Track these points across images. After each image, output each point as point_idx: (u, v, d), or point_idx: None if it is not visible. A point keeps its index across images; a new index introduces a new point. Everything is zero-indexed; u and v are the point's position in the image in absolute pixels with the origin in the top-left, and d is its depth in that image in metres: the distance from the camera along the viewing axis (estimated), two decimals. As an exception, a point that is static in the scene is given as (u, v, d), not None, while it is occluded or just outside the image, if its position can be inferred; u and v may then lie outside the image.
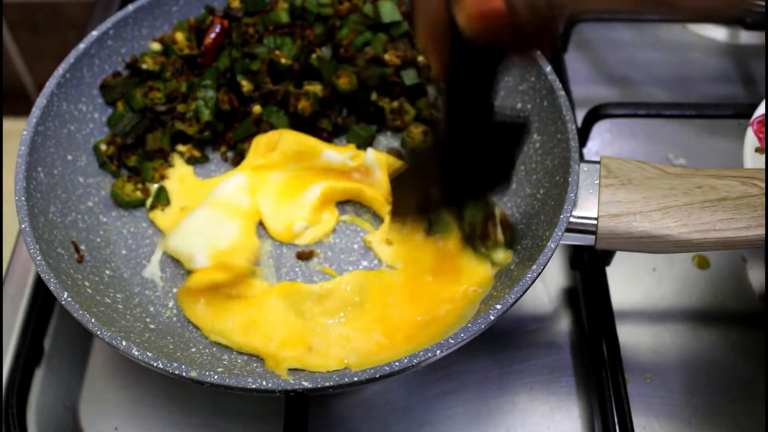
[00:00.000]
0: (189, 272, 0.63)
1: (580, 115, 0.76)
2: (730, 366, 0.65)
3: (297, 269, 0.65)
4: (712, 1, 0.36)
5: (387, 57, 0.72)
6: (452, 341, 0.51)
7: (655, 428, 0.62)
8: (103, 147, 0.68)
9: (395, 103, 0.72)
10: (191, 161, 0.70)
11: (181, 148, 0.70)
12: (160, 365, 0.51)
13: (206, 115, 0.70)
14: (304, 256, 0.65)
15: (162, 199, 0.68)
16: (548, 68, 0.65)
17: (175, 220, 0.66)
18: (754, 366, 0.65)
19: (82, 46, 0.67)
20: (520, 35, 0.37)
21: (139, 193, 0.68)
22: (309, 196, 0.67)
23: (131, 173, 0.70)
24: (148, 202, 0.68)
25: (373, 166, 0.68)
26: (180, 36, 0.72)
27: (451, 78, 0.46)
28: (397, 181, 0.56)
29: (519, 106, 0.69)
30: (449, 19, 0.39)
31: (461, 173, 0.53)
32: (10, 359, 0.64)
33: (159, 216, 0.67)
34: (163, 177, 0.69)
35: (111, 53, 0.70)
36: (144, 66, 0.70)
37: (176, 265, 0.65)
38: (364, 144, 0.71)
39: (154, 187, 0.69)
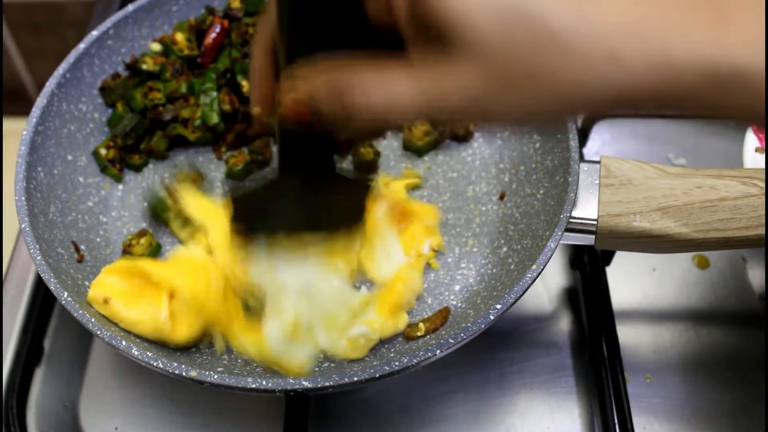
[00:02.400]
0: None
1: (580, 115, 0.76)
2: (730, 366, 0.65)
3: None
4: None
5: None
6: (452, 341, 0.51)
7: (655, 428, 0.62)
8: (103, 151, 0.68)
9: None
10: (195, 184, 0.69)
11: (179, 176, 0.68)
12: (160, 365, 0.51)
13: (214, 118, 0.70)
14: None
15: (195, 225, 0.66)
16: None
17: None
18: (754, 366, 0.65)
19: (82, 46, 0.67)
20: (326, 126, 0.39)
21: (149, 250, 0.65)
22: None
23: (135, 171, 0.70)
24: (153, 239, 0.66)
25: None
26: (180, 36, 0.72)
27: (282, 142, 0.48)
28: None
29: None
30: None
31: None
32: (10, 359, 0.64)
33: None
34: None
35: (111, 53, 0.70)
36: (144, 66, 0.70)
37: (176, 265, 0.65)
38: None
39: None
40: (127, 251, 0.64)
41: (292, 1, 0.39)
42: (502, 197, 0.67)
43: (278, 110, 0.40)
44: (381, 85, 0.36)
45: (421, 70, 0.36)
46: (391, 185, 0.67)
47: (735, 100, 0.33)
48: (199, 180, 0.67)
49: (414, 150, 0.71)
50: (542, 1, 0.33)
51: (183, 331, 0.57)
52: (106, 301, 0.56)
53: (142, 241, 0.65)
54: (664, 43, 0.33)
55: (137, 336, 0.56)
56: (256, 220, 0.55)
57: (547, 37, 0.33)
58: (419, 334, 0.60)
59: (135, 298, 0.57)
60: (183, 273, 0.58)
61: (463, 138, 0.71)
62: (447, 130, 0.70)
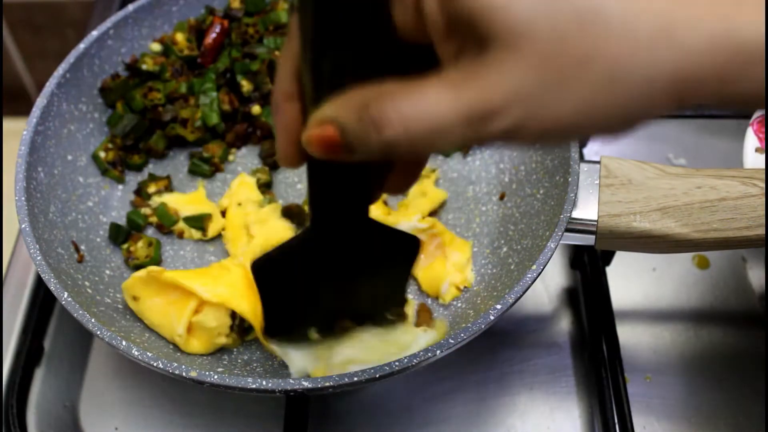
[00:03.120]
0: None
1: (580, 115, 0.76)
2: (730, 366, 0.65)
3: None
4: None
5: (387, 57, 0.72)
6: (452, 341, 0.51)
7: (655, 428, 0.62)
8: (102, 154, 0.68)
9: None
10: (168, 189, 0.69)
11: (149, 189, 0.68)
12: (160, 365, 0.51)
13: (214, 119, 0.70)
14: None
15: (204, 215, 0.66)
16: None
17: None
18: (754, 366, 0.65)
19: (82, 46, 0.67)
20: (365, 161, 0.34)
21: (152, 249, 0.65)
22: None
23: (136, 171, 0.70)
24: (148, 235, 0.66)
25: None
26: (180, 36, 0.72)
27: (313, 184, 0.42)
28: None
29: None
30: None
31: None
32: (10, 359, 0.64)
33: (215, 227, 0.66)
34: (147, 217, 0.67)
35: (111, 53, 0.70)
36: (144, 66, 0.70)
37: (176, 265, 0.65)
38: None
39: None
40: (130, 261, 0.64)
41: (318, 22, 0.33)
42: (502, 197, 0.67)
43: (307, 150, 0.35)
44: (415, 102, 0.31)
45: (458, 77, 0.32)
46: (428, 191, 0.67)
47: None
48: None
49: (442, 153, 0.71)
50: None
51: (195, 346, 0.59)
52: (135, 299, 0.59)
53: (140, 244, 0.65)
54: (722, 22, 0.30)
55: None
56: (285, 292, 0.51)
57: (595, 18, 0.30)
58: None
59: (162, 304, 0.59)
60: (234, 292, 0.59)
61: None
62: None
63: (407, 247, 0.50)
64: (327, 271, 0.50)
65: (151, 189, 0.68)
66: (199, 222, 0.66)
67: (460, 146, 0.32)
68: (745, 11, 0.30)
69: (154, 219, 0.67)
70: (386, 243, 0.49)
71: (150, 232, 0.67)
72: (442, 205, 0.68)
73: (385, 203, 0.68)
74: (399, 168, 0.43)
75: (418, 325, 0.60)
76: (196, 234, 0.66)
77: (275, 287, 0.51)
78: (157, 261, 0.65)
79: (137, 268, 0.63)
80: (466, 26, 0.31)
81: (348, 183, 0.41)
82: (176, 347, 0.59)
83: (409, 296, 0.63)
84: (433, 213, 0.67)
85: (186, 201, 0.68)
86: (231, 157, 0.71)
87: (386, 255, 0.50)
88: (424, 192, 0.68)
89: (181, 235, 0.67)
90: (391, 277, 0.54)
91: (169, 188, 0.69)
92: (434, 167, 0.70)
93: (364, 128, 0.32)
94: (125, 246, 0.65)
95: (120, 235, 0.65)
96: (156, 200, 0.68)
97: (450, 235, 0.65)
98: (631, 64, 0.30)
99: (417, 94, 0.32)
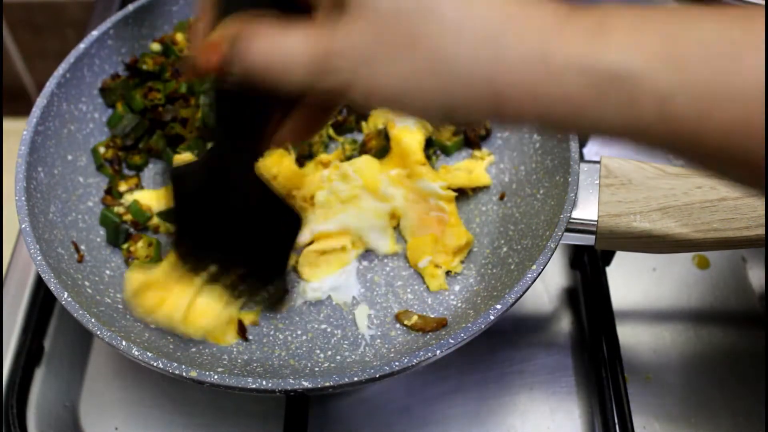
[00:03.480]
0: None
1: (580, 115, 0.76)
2: (730, 366, 0.65)
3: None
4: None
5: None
6: (452, 341, 0.51)
7: (655, 428, 0.62)
8: (102, 150, 0.68)
9: None
10: (138, 186, 0.69)
11: (121, 188, 0.68)
12: (160, 365, 0.51)
13: (213, 119, 0.70)
14: None
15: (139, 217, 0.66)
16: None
17: None
18: (754, 366, 0.65)
19: (82, 46, 0.67)
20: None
21: (152, 249, 0.65)
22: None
23: (137, 171, 0.70)
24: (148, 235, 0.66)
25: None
26: (180, 37, 0.72)
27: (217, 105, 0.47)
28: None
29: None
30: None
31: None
32: (10, 359, 0.64)
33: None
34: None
35: (111, 53, 0.70)
36: (144, 67, 0.70)
37: (176, 265, 0.65)
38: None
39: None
40: (131, 261, 0.64)
41: None
42: (502, 197, 0.67)
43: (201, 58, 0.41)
44: (276, 38, 0.37)
45: (318, 29, 0.37)
46: (475, 170, 0.68)
47: (611, 104, 0.32)
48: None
49: (442, 150, 0.71)
50: None
51: (197, 328, 0.59)
52: (136, 295, 0.59)
53: (140, 244, 0.65)
54: (542, 44, 0.33)
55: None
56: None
57: (433, 8, 0.34)
58: (407, 323, 0.60)
59: (163, 290, 0.59)
60: None
61: (475, 142, 0.71)
62: (469, 130, 0.70)
63: (290, 221, 0.52)
64: (221, 203, 0.51)
65: (122, 188, 0.68)
66: (172, 215, 0.65)
67: (304, 88, 0.38)
68: (566, 38, 0.33)
69: (128, 217, 0.66)
70: (272, 207, 0.51)
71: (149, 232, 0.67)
72: (482, 188, 0.69)
73: (429, 158, 0.69)
74: (299, 115, 0.47)
75: (420, 330, 0.61)
76: (172, 228, 0.65)
77: (186, 201, 0.53)
78: (157, 260, 0.65)
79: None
80: None
81: (245, 111, 0.45)
82: (176, 347, 0.59)
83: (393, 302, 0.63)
84: (461, 191, 0.68)
85: (158, 197, 0.67)
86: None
87: (270, 218, 0.52)
88: (471, 170, 0.69)
89: (156, 230, 0.66)
90: (274, 244, 0.54)
91: (139, 186, 0.69)
92: (490, 151, 0.70)
93: (231, 44, 0.38)
94: (125, 246, 0.65)
95: (119, 236, 0.65)
96: (128, 198, 0.67)
97: (457, 219, 0.66)
98: (453, 55, 0.34)
99: (282, 29, 0.37)
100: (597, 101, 0.32)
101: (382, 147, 0.69)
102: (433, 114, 0.36)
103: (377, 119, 0.71)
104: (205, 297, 0.59)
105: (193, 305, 0.59)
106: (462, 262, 0.65)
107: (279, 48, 0.37)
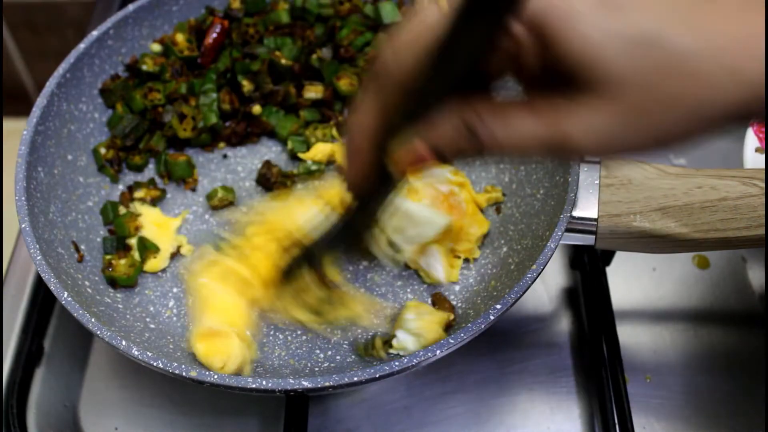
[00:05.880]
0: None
1: (580, 115, 0.76)
2: (730, 366, 0.65)
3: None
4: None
5: (387, 57, 0.72)
6: (452, 341, 0.51)
7: (655, 428, 0.62)
8: (102, 151, 0.68)
9: None
10: (154, 202, 0.68)
11: (138, 194, 0.68)
12: (160, 365, 0.51)
13: (213, 119, 0.70)
14: None
15: (150, 247, 0.64)
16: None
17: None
18: (754, 366, 0.65)
19: (82, 46, 0.67)
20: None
21: (132, 270, 0.63)
22: None
23: (136, 171, 0.70)
24: (135, 254, 0.64)
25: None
26: (180, 37, 0.72)
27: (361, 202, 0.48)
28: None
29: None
30: (378, 164, 0.42)
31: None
32: (10, 359, 0.64)
33: (155, 264, 0.64)
34: (137, 229, 0.66)
35: (111, 53, 0.70)
36: (144, 67, 0.70)
37: (176, 265, 0.65)
38: None
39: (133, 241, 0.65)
40: (107, 271, 0.62)
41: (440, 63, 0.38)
42: (498, 211, 0.67)
43: (395, 169, 0.41)
44: (504, 123, 0.37)
45: (546, 109, 0.37)
46: (477, 198, 0.67)
47: None
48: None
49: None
50: (663, 26, 0.34)
51: (199, 350, 0.58)
52: (199, 281, 0.60)
53: (124, 261, 0.63)
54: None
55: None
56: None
57: (673, 62, 0.34)
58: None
59: (216, 296, 0.60)
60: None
61: None
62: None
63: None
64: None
65: (139, 194, 0.68)
66: (143, 252, 0.64)
67: (539, 157, 0.40)
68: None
69: (130, 224, 0.66)
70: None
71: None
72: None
73: None
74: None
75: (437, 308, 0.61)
76: (136, 256, 0.64)
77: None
78: (132, 284, 0.63)
79: (111, 280, 0.62)
80: (565, 73, 0.36)
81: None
82: (176, 347, 0.59)
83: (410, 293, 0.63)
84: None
85: (158, 223, 0.66)
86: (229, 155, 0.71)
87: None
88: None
89: (127, 249, 0.65)
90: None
91: (155, 202, 0.68)
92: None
93: (457, 140, 0.38)
94: (108, 257, 0.63)
95: (117, 244, 0.65)
96: (137, 207, 0.67)
97: (474, 207, 0.66)
98: (703, 104, 0.34)
99: (505, 116, 0.37)
100: None
101: None
102: (683, 149, 0.39)
103: None
104: (232, 341, 0.58)
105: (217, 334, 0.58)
106: (479, 247, 0.65)
107: (514, 132, 0.37)
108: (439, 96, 0.38)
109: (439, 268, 0.63)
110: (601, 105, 0.35)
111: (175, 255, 0.65)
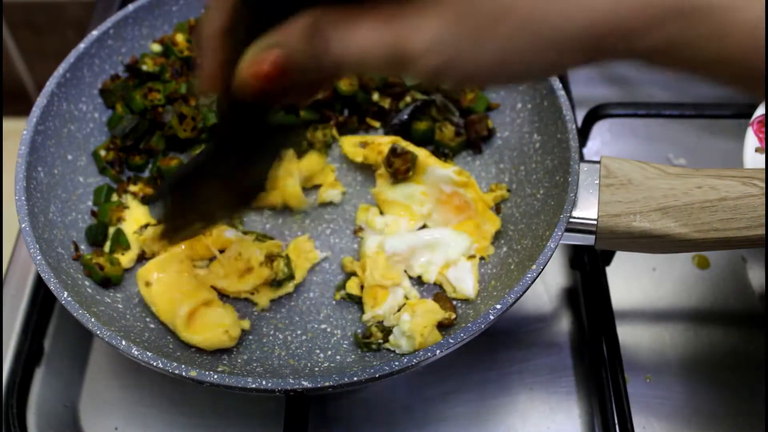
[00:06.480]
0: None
1: (580, 115, 0.76)
2: (730, 366, 0.65)
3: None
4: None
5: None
6: (452, 341, 0.51)
7: (655, 428, 0.62)
8: (103, 153, 0.68)
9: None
10: (145, 201, 0.67)
11: (133, 188, 0.67)
12: (160, 365, 0.51)
13: (212, 119, 0.70)
14: None
15: (122, 242, 0.64)
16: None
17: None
18: (754, 366, 0.65)
19: (82, 45, 0.67)
20: (292, 90, 0.38)
21: (117, 267, 0.62)
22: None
23: (137, 173, 0.70)
24: (107, 246, 0.64)
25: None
26: (180, 37, 0.72)
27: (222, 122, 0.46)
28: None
29: (519, 106, 0.69)
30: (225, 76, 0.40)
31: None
32: (10, 359, 0.64)
33: (120, 260, 0.63)
34: (120, 220, 0.65)
35: (111, 53, 0.70)
36: (144, 67, 0.70)
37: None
38: None
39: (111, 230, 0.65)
40: (95, 272, 0.61)
41: None
42: (498, 210, 0.67)
43: (241, 81, 0.38)
44: (353, 32, 0.35)
45: (388, 15, 0.34)
46: (484, 197, 0.67)
47: (698, 35, 0.32)
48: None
49: (445, 151, 0.70)
50: None
51: (194, 338, 0.59)
52: (147, 284, 0.60)
53: (102, 259, 0.62)
54: None
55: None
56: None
57: None
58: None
59: (174, 289, 0.60)
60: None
61: (476, 143, 0.70)
62: (471, 131, 0.70)
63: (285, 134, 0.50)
64: (224, 173, 0.50)
65: (134, 188, 0.68)
66: (115, 244, 0.63)
67: (387, 74, 0.36)
68: None
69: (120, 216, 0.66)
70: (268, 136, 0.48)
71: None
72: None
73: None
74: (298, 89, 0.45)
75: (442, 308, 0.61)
76: (105, 248, 0.64)
77: (183, 201, 0.51)
78: (118, 281, 0.62)
79: (104, 280, 0.61)
80: None
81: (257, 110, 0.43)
82: (176, 347, 0.59)
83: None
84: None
85: (139, 221, 0.66)
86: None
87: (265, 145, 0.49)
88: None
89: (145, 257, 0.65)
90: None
91: (146, 200, 0.67)
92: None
93: (313, 51, 0.35)
94: (89, 256, 0.62)
95: (98, 233, 0.64)
96: (128, 200, 0.67)
97: (483, 205, 0.65)
98: (543, 18, 0.32)
99: (353, 23, 0.34)
100: (683, 32, 0.32)
101: (406, 169, 0.67)
102: (531, 77, 0.35)
103: (383, 145, 0.69)
104: (211, 311, 0.59)
105: (197, 314, 0.59)
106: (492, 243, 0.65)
107: (361, 39, 0.34)
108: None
109: (469, 282, 0.62)
110: (440, 9, 0.33)
111: (141, 259, 0.65)
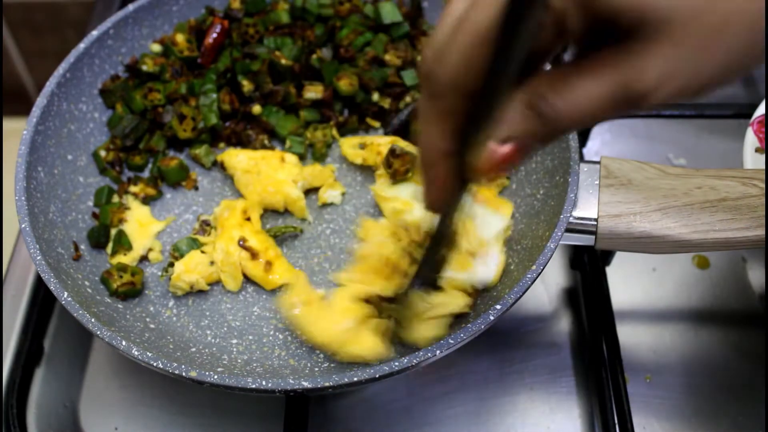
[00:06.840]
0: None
1: (580, 115, 0.76)
2: (730, 366, 0.65)
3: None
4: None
5: (387, 57, 0.72)
6: (452, 341, 0.51)
7: (655, 428, 0.62)
8: (103, 153, 0.68)
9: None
10: (146, 201, 0.68)
11: (133, 188, 0.68)
12: (160, 365, 0.51)
13: (213, 119, 0.70)
14: None
15: (124, 243, 0.64)
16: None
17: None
18: (754, 366, 0.65)
19: (82, 45, 0.67)
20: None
21: (139, 277, 0.63)
22: None
23: (137, 173, 0.70)
24: (109, 248, 0.64)
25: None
26: (180, 37, 0.72)
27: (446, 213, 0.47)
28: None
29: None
30: (456, 172, 0.41)
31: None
32: (10, 359, 0.64)
33: (121, 260, 0.64)
34: (121, 221, 0.66)
35: (111, 53, 0.70)
36: (144, 67, 0.70)
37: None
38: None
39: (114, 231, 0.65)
40: (105, 280, 0.62)
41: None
42: None
43: (478, 175, 0.39)
44: (577, 88, 0.36)
45: (601, 66, 0.36)
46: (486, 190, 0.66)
47: None
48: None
49: None
50: None
51: (365, 343, 0.57)
52: (293, 306, 0.58)
53: (125, 276, 0.62)
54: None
55: None
56: None
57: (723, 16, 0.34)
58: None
59: (317, 315, 0.58)
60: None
61: None
62: None
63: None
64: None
65: (134, 189, 0.68)
66: (117, 246, 0.64)
67: (616, 117, 0.37)
68: None
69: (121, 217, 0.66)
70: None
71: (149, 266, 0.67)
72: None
73: None
74: None
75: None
76: (107, 250, 0.64)
77: None
78: (137, 292, 0.62)
79: (119, 292, 0.61)
80: (608, 26, 0.35)
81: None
82: (176, 347, 0.59)
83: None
84: None
85: (141, 222, 0.66)
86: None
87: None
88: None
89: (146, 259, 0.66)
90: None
91: (148, 200, 0.68)
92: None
93: (543, 122, 0.37)
94: (105, 273, 0.62)
95: (100, 235, 0.64)
96: (129, 201, 0.67)
97: (490, 194, 0.65)
98: (760, 16, 0.34)
99: (573, 81, 0.36)
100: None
101: (406, 170, 0.67)
102: (748, 72, 0.37)
103: (382, 146, 0.69)
104: (366, 328, 0.57)
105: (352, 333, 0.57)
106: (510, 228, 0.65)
107: (578, 95, 0.36)
108: (503, 89, 0.37)
109: (493, 267, 0.61)
110: (658, 47, 0.35)
111: (144, 259, 0.65)
